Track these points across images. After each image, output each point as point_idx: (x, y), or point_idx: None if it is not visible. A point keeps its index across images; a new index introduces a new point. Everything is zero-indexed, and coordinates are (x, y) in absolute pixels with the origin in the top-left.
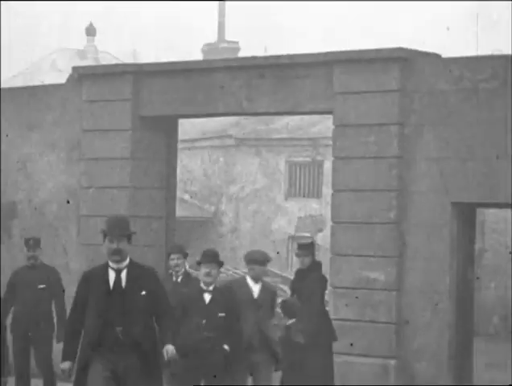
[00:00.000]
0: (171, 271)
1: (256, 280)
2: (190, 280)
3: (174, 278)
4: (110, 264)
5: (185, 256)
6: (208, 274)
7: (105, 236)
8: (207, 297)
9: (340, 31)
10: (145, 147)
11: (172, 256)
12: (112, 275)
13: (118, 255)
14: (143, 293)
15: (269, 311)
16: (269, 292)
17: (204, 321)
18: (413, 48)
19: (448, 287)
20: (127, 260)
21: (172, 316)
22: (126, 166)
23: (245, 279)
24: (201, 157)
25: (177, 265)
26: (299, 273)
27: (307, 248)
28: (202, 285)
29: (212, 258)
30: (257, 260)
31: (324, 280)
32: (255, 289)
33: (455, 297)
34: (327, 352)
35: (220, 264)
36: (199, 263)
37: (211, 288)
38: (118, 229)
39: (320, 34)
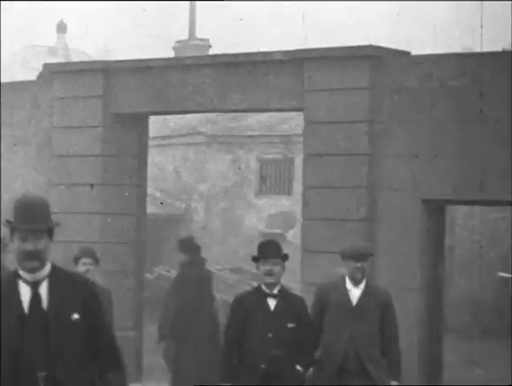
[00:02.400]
0: None
1: (356, 281)
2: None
3: None
4: (22, 273)
5: (97, 261)
6: (269, 272)
7: (12, 231)
8: (271, 303)
9: (312, 29)
10: (116, 144)
11: (84, 260)
12: (25, 291)
13: (35, 260)
14: (75, 316)
15: (371, 323)
16: (374, 296)
17: (270, 334)
18: (383, 46)
19: (418, 284)
20: (48, 267)
21: (118, 358)
22: (97, 163)
23: (343, 280)
24: (172, 154)
25: (88, 273)
26: None
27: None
28: (264, 287)
29: (273, 252)
30: (356, 255)
31: None
32: (355, 292)
33: (425, 293)
34: None
35: (285, 258)
36: (256, 259)
37: (275, 291)
38: (34, 220)
39: (290, 32)
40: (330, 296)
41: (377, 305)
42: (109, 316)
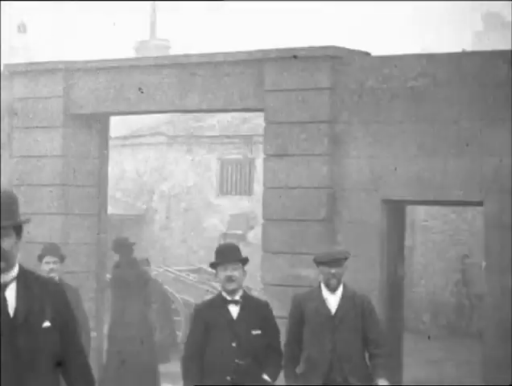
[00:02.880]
0: None
1: (332, 288)
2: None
3: None
4: None
5: (62, 259)
6: (229, 279)
7: None
8: (234, 310)
9: (274, 29)
10: (76, 145)
11: (47, 259)
12: None
13: (3, 261)
14: (46, 324)
15: (353, 330)
16: (353, 302)
17: (234, 343)
18: (343, 46)
19: (378, 284)
20: (16, 268)
21: (88, 373)
22: (58, 163)
23: (319, 288)
24: (133, 154)
25: (52, 271)
26: None
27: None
28: (224, 294)
29: (232, 256)
30: (330, 260)
31: None
32: (332, 300)
33: (385, 294)
34: None
35: (245, 261)
36: (214, 265)
37: (237, 297)
38: None
39: (251, 32)
40: (307, 306)
41: (357, 310)
42: (80, 313)
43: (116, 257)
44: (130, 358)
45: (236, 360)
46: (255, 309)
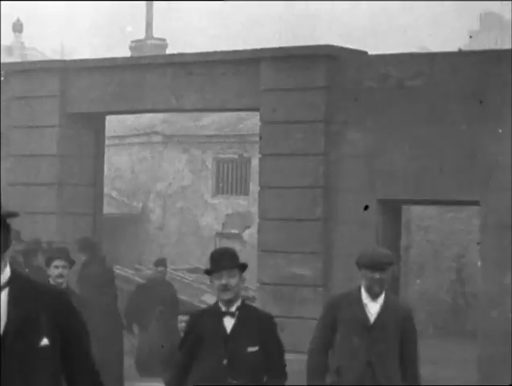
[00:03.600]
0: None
1: (374, 294)
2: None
3: None
4: None
5: (71, 264)
6: (225, 288)
7: None
8: (228, 323)
9: (266, 29)
10: (72, 144)
11: (56, 263)
12: None
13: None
14: (44, 342)
15: (392, 344)
16: (395, 313)
17: (225, 361)
18: (339, 45)
19: None
20: (7, 272)
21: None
22: (54, 162)
23: (359, 292)
24: (129, 153)
25: (61, 276)
26: None
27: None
28: (220, 304)
29: (228, 262)
30: (374, 264)
31: None
32: (372, 307)
33: None
34: None
35: (243, 268)
36: (209, 272)
37: (233, 308)
38: None
39: (247, 32)
40: (343, 311)
41: (398, 322)
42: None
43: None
44: (98, 355)
45: (228, 380)
46: (254, 322)
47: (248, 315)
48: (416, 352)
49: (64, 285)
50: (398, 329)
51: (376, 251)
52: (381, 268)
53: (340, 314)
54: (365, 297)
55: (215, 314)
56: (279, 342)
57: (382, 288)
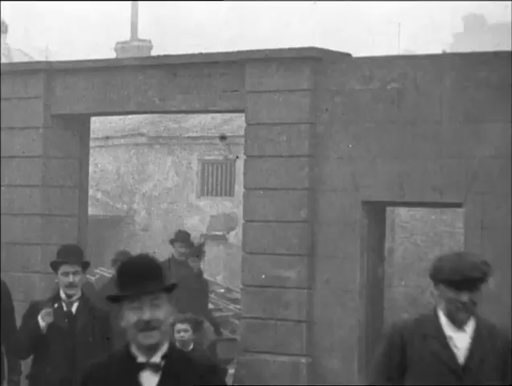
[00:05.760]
0: (61, 295)
1: (459, 322)
2: (91, 310)
3: (65, 307)
4: None
5: (85, 267)
6: (147, 327)
7: None
8: (149, 381)
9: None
10: (57, 145)
11: (65, 269)
12: None
13: None
14: None
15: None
16: (492, 345)
17: None
18: (324, 48)
19: (358, 285)
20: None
21: None
22: (38, 164)
23: (437, 318)
24: (114, 155)
25: (72, 286)
26: None
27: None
28: (135, 351)
29: (153, 283)
30: (461, 280)
31: None
32: (460, 341)
33: (365, 295)
34: None
35: (170, 289)
36: (114, 299)
37: (157, 358)
38: None
39: (232, 33)
40: (415, 346)
41: (497, 356)
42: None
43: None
44: None
45: None
46: (190, 378)
47: (180, 367)
48: None
49: (76, 297)
50: (499, 367)
51: (463, 259)
52: (472, 287)
53: (411, 350)
54: (446, 326)
55: (126, 367)
56: None
57: (472, 312)
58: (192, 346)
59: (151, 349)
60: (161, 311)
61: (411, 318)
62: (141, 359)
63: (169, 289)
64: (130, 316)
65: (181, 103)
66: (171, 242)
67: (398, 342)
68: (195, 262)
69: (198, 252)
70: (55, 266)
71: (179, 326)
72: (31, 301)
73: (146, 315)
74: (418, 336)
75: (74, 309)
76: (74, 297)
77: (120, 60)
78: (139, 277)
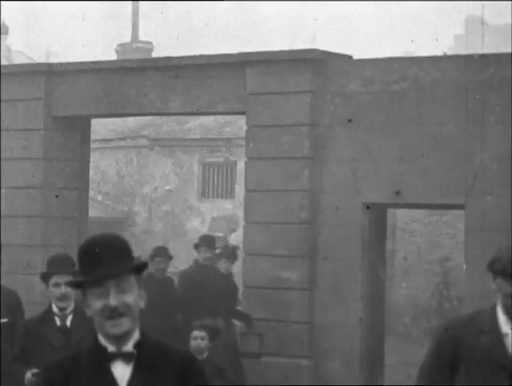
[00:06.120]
0: (53, 308)
1: None
2: (88, 323)
3: (58, 322)
4: None
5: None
6: (111, 314)
7: None
8: (121, 371)
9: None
10: (58, 147)
11: (56, 279)
12: None
13: None
14: None
15: None
16: None
17: None
18: (325, 49)
19: (359, 287)
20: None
21: None
22: (39, 166)
23: (493, 314)
24: (114, 157)
25: (65, 298)
26: None
27: None
28: (104, 341)
29: (116, 264)
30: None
31: None
32: None
33: (366, 297)
34: None
35: (141, 269)
36: (74, 283)
37: (129, 346)
38: None
39: (233, 35)
40: (468, 343)
41: None
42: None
43: None
44: None
45: None
46: (165, 366)
47: (154, 356)
48: None
49: (70, 309)
50: None
51: None
52: None
53: (463, 347)
54: (504, 322)
55: (96, 359)
56: None
57: None
58: (206, 355)
59: (121, 338)
60: (129, 295)
61: (465, 314)
62: (111, 348)
63: (138, 269)
64: (95, 303)
65: (182, 105)
66: (196, 247)
67: (449, 340)
68: (226, 264)
69: (232, 254)
70: (45, 278)
71: (197, 333)
72: (23, 322)
73: (112, 301)
74: (472, 332)
75: (68, 322)
76: (67, 310)
77: (121, 62)
78: (102, 258)
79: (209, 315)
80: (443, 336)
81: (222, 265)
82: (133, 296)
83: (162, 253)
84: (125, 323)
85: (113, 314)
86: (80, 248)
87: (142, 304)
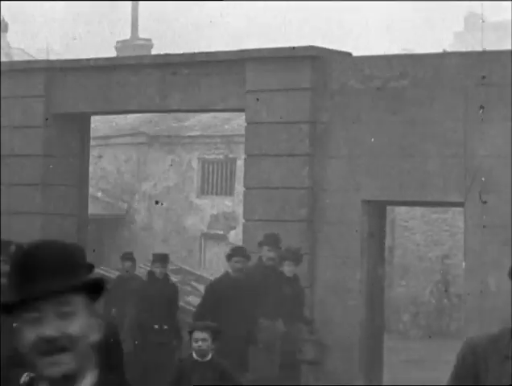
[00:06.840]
0: None
1: None
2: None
3: None
4: None
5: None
6: (49, 349)
7: None
8: None
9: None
10: (57, 144)
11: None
12: None
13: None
14: None
15: None
16: None
17: None
18: (324, 47)
19: (358, 284)
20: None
21: None
22: (38, 162)
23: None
24: (114, 154)
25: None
26: None
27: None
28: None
29: (58, 280)
30: None
31: None
32: None
33: (365, 294)
34: None
35: (98, 290)
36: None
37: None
38: None
39: (232, 32)
40: (488, 363)
41: None
42: None
43: None
44: None
45: None
46: None
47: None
48: None
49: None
50: None
51: None
52: None
53: (486, 373)
54: None
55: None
56: None
57: None
58: (210, 356)
59: (63, 383)
60: (74, 323)
61: (487, 333)
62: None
63: (90, 287)
64: (27, 333)
65: (181, 102)
66: (259, 245)
67: (470, 359)
68: (290, 266)
69: (296, 256)
70: None
71: (198, 334)
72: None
73: (48, 330)
74: (495, 357)
75: None
76: None
77: (120, 59)
78: (37, 271)
79: (267, 317)
80: (465, 354)
81: (286, 268)
82: (79, 324)
83: (240, 253)
84: (67, 361)
85: (50, 347)
86: (12, 258)
87: (96, 336)
